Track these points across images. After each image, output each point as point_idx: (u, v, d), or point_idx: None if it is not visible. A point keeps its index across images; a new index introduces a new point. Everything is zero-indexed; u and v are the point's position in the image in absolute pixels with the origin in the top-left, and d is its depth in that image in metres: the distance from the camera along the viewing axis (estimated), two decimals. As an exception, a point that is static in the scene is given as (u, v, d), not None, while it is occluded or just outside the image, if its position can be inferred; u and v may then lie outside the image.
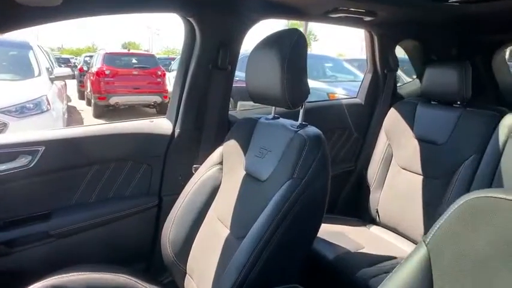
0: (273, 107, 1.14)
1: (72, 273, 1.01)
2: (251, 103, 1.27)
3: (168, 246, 1.14)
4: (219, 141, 1.25)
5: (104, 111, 7.40)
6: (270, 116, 1.14)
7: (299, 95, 0.98)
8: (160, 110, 7.83)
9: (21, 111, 3.37)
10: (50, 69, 4.39)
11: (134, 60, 7.67)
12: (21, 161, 1.13)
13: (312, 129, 0.99)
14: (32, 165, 1.13)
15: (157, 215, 1.38)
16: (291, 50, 0.93)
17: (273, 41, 1.00)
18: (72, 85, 9.74)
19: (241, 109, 1.60)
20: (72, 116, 6.80)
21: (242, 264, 0.85)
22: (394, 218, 1.57)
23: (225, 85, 1.41)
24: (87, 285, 1.00)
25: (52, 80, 4.16)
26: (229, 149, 1.16)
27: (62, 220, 1.21)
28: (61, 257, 1.21)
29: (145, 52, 10.33)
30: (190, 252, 1.13)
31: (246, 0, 1.28)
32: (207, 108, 1.40)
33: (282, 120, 1.11)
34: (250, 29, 1.39)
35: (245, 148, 1.12)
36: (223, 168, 1.16)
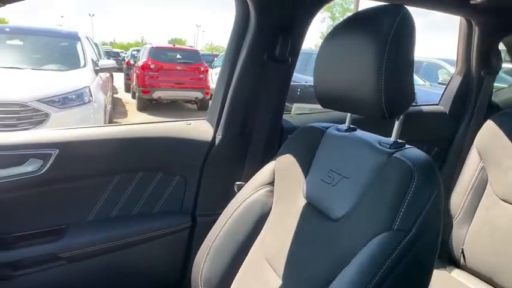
0: (348, 114, 0.84)
1: None
2: (310, 106, 0.98)
3: (199, 283, 0.89)
4: (269, 154, 0.98)
5: (147, 105, 7.48)
6: (343, 126, 0.85)
7: (401, 100, 0.67)
8: (201, 106, 7.81)
9: (64, 101, 3.34)
10: (96, 61, 4.38)
11: (178, 56, 7.69)
12: (31, 166, 0.93)
13: (416, 153, 0.68)
14: (43, 171, 0.93)
15: (189, 239, 1.14)
16: (393, 34, 0.63)
17: (364, 22, 0.70)
18: (121, 78, 10.01)
19: (297, 113, 1.30)
20: (116, 108, 6.91)
21: None
22: (487, 264, 1.21)
23: (282, 82, 1.13)
24: None
25: (97, 72, 4.14)
26: (284, 166, 0.88)
27: (75, 240, 1.00)
28: (72, 284, 1.00)
29: (190, 47, 10.33)
30: None
31: None
32: (258, 110, 1.12)
33: (361, 133, 0.81)
34: (319, 11, 1.09)
35: (306, 168, 0.83)
36: (275, 191, 0.89)
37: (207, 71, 7.81)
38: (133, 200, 1.09)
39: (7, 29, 4.63)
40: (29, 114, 3.09)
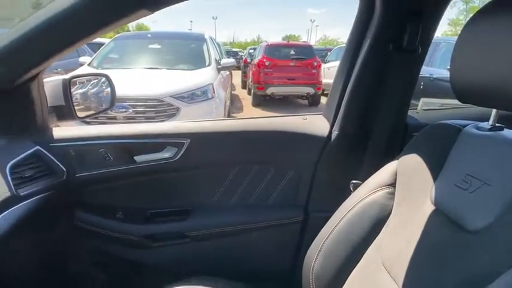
0: (494, 110, 0.71)
1: (201, 287, 0.88)
2: (441, 101, 0.86)
3: (311, 279, 0.89)
4: (391, 153, 0.91)
5: (261, 101, 7.81)
6: (486, 124, 0.72)
7: None
8: (312, 101, 7.79)
9: (191, 97, 3.74)
10: (218, 60, 4.78)
11: (292, 52, 7.78)
12: (167, 153, 1.07)
13: None
14: (177, 158, 1.06)
15: (301, 233, 1.15)
16: None
17: None
18: (238, 75, 10.72)
19: (425, 108, 1.17)
20: (234, 104, 7.43)
21: None
22: None
23: (409, 74, 1.03)
24: None
25: (219, 70, 4.51)
26: (409, 167, 0.80)
27: (199, 222, 1.11)
28: (195, 260, 1.12)
29: (303, 43, 10.40)
30: None
31: None
32: (380, 106, 1.05)
33: (510, 133, 0.68)
34: None
35: (436, 170, 0.74)
36: (396, 194, 0.82)
37: (319, 66, 7.73)
38: (250, 189, 1.14)
39: (149, 35, 5.43)
40: (164, 108, 3.57)
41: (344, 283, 0.84)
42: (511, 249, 0.53)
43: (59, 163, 0.95)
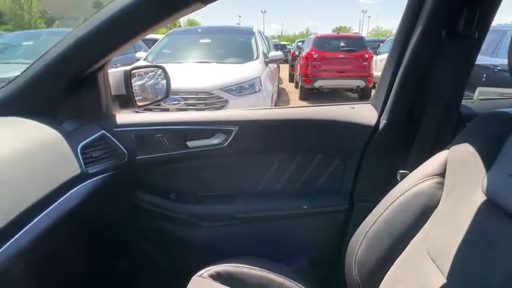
0: None
1: (247, 266, 0.93)
2: (500, 90, 0.82)
3: (353, 265, 0.90)
4: (441, 143, 0.88)
5: (309, 94, 7.72)
6: None
7: None
8: (362, 95, 7.54)
9: (239, 90, 3.83)
10: (266, 53, 4.82)
11: (342, 43, 7.57)
12: (217, 139, 1.13)
13: None
14: (226, 144, 1.12)
15: (345, 221, 1.15)
16: None
17: None
18: (285, 69, 10.69)
19: (482, 98, 1.11)
20: (280, 97, 7.44)
21: None
22: None
23: (464, 61, 0.98)
24: (260, 284, 0.90)
25: (266, 63, 4.55)
26: (460, 157, 0.77)
27: (246, 205, 1.16)
28: (243, 241, 1.17)
29: (354, 34, 10.07)
30: (382, 285, 0.85)
31: None
32: (431, 94, 1.01)
33: None
34: None
35: (489, 159, 0.71)
36: (446, 184, 0.80)
37: (371, 57, 7.44)
38: (295, 176, 1.17)
39: (199, 30, 5.61)
40: (213, 101, 3.69)
41: (387, 271, 0.84)
42: None
43: (121, 146, 1.05)
